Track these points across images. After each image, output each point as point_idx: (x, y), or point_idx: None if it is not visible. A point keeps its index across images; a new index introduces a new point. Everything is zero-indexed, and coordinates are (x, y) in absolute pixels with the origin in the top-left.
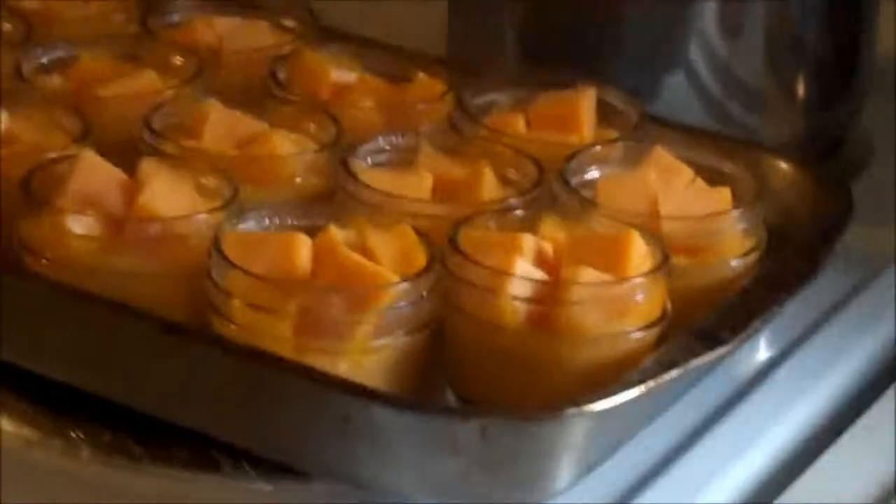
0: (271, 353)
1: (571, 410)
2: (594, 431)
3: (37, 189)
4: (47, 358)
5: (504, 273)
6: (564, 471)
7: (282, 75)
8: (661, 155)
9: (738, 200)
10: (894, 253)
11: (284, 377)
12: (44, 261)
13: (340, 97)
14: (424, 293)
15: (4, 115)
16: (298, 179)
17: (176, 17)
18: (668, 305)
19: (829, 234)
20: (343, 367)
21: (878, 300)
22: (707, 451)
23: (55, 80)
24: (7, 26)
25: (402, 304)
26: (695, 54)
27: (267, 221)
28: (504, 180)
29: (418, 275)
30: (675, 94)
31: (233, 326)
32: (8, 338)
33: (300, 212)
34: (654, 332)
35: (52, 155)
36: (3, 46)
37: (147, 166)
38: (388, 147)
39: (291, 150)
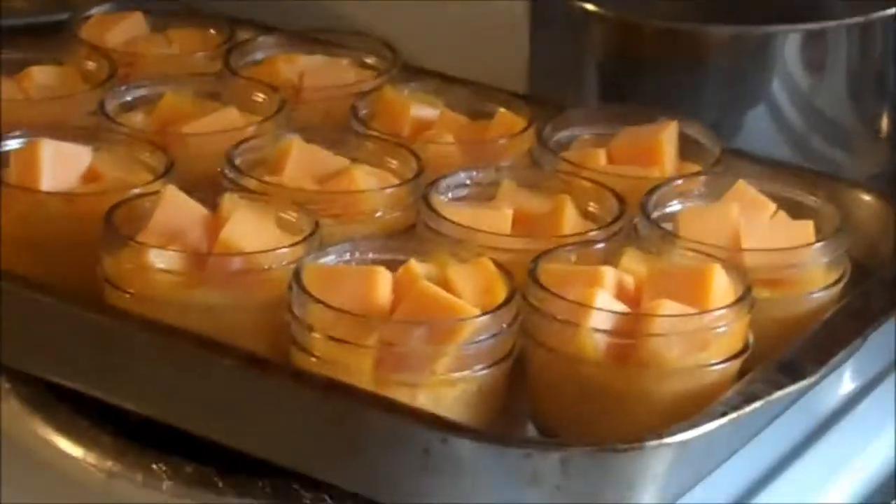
0: (351, 386)
1: (653, 442)
2: (675, 463)
3: (120, 224)
4: (130, 391)
5: (585, 306)
6: (645, 503)
7: (363, 112)
8: (744, 188)
9: (820, 233)
10: None
11: (364, 410)
12: (127, 295)
13: (421, 133)
14: (505, 326)
15: (89, 152)
16: (379, 214)
17: (258, 56)
18: (750, 338)
19: None
20: (423, 400)
21: None
22: (790, 484)
23: (138, 118)
24: (91, 64)
25: (483, 337)
26: (777, 90)
27: (348, 255)
28: (585, 214)
29: (498, 308)
30: (758, 130)
31: (313, 359)
32: (91, 371)
33: (381, 246)
34: (736, 364)
35: (136, 191)
36: (87, 84)
37: (229, 202)
38: (468, 182)
39: (372, 186)
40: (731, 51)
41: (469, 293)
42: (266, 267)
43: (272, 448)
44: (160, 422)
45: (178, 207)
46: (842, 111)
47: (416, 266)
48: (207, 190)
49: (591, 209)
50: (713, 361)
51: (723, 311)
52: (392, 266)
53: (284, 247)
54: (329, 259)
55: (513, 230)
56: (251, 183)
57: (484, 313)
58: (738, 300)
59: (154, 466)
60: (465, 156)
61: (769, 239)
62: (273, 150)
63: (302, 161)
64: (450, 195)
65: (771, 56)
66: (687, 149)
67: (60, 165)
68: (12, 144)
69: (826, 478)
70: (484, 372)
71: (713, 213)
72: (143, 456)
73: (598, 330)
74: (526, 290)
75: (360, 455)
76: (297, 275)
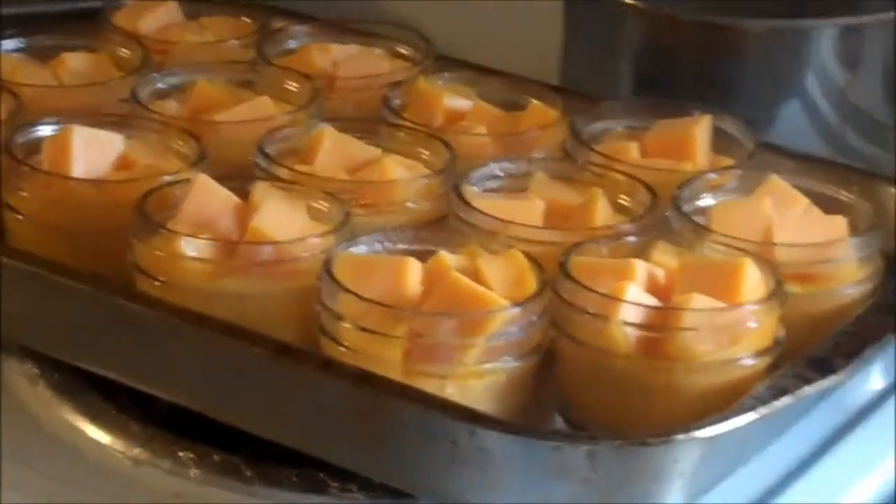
0: (380, 377)
1: (681, 436)
2: (704, 458)
3: (151, 212)
4: (159, 378)
5: (615, 299)
6: (673, 497)
7: (396, 102)
8: (776, 183)
9: (853, 229)
10: None
11: (393, 400)
12: (157, 283)
13: (454, 124)
14: (534, 318)
15: (121, 140)
16: (410, 205)
17: (291, 44)
18: (781, 333)
19: None
20: (451, 391)
21: None
22: (819, 480)
23: (171, 106)
24: (124, 52)
25: (512, 329)
26: (812, 84)
27: (378, 246)
28: (617, 207)
29: (529, 300)
30: (792, 124)
31: (342, 349)
32: (119, 358)
33: (412, 236)
34: (766, 359)
35: (167, 178)
36: (120, 71)
37: (260, 190)
38: (500, 173)
39: (404, 176)
40: (766, 45)
41: (499, 285)
42: (296, 256)
43: (299, 437)
44: (188, 410)
45: (209, 196)
46: (877, 106)
47: (447, 257)
48: (239, 178)
49: (622, 202)
50: (743, 356)
51: (754, 306)
52: (423, 257)
53: (315, 236)
54: (360, 249)
55: (544, 222)
56: (283, 172)
57: (514, 305)
58: (770, 295)
59: (181, 454)
60: (497, 147)
61: (801, 234)
62: (305, 139)
63: (334, 150)
64: (482, 186)
65: (806, 50)
66: (720, 143)
67: (92, 152)
68: (45, 131)
69: (856, 474)
70: (513, 364)
71: (745, 207)
72: (170, 444)
73: (628, 323)
74: (556, 283)
75: (388, 445)
76: (327, 264)
